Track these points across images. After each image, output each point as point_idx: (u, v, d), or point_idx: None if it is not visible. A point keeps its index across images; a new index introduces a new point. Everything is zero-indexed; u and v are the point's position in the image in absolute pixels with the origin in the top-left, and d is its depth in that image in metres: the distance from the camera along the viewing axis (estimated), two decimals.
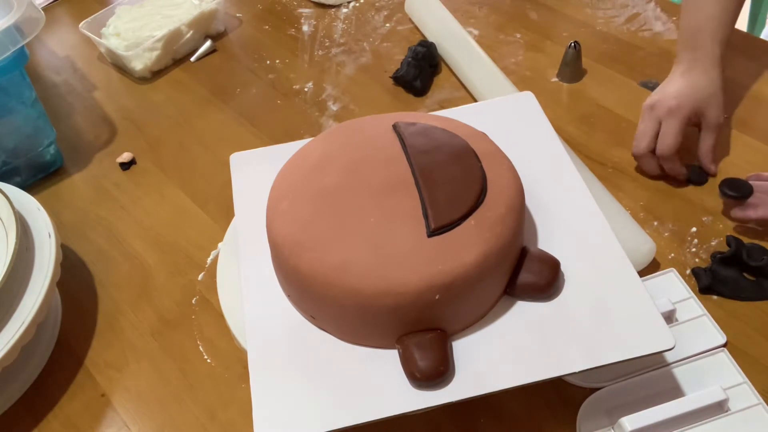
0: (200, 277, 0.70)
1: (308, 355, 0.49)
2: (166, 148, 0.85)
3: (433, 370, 0.46)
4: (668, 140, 0.69)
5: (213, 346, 0.64)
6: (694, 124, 0.72)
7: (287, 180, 0.54)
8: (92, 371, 0.64)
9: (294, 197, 0.52)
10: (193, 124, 0.88)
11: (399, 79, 0.88)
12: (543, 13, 0.97)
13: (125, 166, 0.83)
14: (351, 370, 0.48)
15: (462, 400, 0.46)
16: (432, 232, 0.47)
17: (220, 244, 0.69)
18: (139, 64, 0.94)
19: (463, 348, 0.48)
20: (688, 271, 0.65)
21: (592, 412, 0.55)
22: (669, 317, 0.59)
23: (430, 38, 0.92)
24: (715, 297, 0.63)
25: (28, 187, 0.80)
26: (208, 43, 0.98)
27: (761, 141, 0.76)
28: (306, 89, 0.91)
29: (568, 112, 0.82)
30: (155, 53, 0.94)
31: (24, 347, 0.56)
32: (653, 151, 0.71)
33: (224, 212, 0.75)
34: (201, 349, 0.64)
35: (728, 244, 0.64)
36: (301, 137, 0.76)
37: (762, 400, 0.54)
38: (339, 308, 0.48)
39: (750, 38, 0.91)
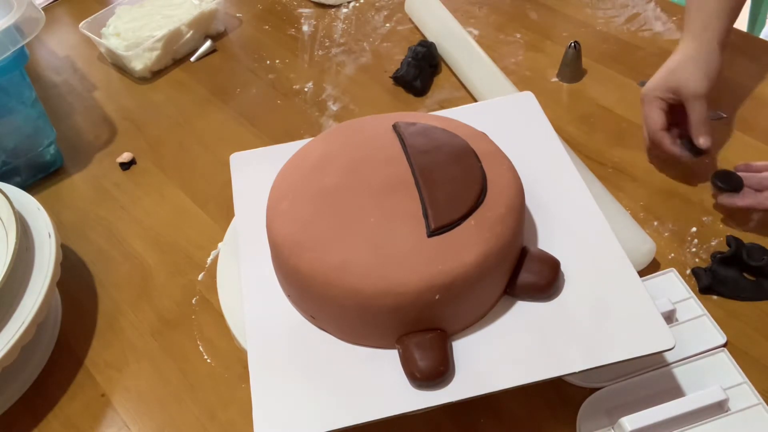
0: (200, 277, 0.70)
1: (308, 355, 0.49)
2: (166, 148, 0.85)
3: (433, 370, 0.46)
4: (646, 125, 0.71)
5: (213, 346, 0.64)
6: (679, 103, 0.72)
7: (287, 180, 0.54)
8: (92, 371, 0.64)
9: (294, 197, 0.52)
10: (193, 124, 0.88)
11: (399, 79, 0.88)
12: (543, 13, 0.97)
13: (125, 166, 0.83)
14: (351, 370, 0.48)
15: (462, 400, 0.46)
16: (432, 232, 0.47)
17: (220, 244, 0.69)
18: (139, 64, 0.94)
19: (463, 348, 0.48)
20: (688, 271, 0.65)
21: (592, 412, 0.55)
22: (669, 317, 0.59)
23: (430, 38, 0.92)
24: (715, 297, 0.63)
25: (28, 187, 0.80)
26: (208, 43, 0.98)
27: (761, 141, 0.76)
28: (306, 89, 0.91)
29: (568, 112, 0.82)
30: (155, 53, 0.94)
31: (24, 347, 0.56)
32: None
33: (224, 212, 0.75)
34: (201, 349, 0.64)
35: (728, 244, 0.64)
36: (301, 137, 0.76)
37: (762, 400, 0.54)
38: (339, 308, 0.48)
39: (750, 38, 0.91)
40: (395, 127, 0.56)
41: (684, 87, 0.69)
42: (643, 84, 0.84)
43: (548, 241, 0.54)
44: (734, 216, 0.69)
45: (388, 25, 0.99)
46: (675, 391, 0.56)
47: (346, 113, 0.86)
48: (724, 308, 0.62)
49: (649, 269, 0.64)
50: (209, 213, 0.77)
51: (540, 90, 0.77)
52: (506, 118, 0.64)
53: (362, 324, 0.48)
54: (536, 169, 0.58)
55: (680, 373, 0.57)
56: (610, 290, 0.50)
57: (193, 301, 0.68)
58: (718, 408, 0.54)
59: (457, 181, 0.50)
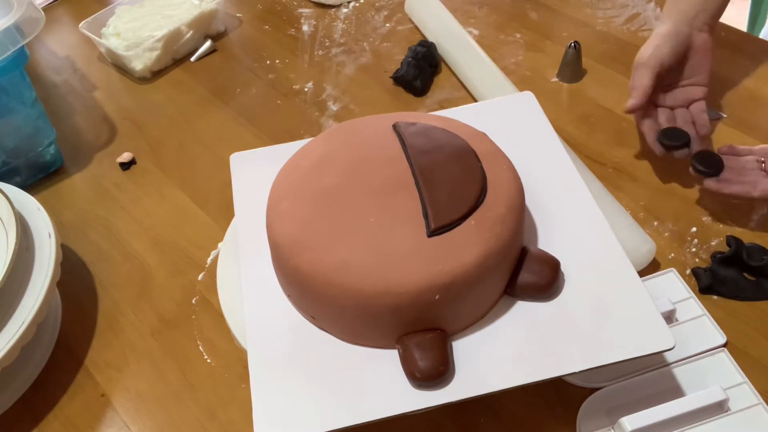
0: (200, 277, 0.70)
1: (308, 355, 0.49)
2: (166, 148, 0.85)
3: (433, 370, 0.46)
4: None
5: (213, 346, 0.64)
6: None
7: (287, 180, 0.54)
8: (92, 371, 0.64)
9: (294, 197, 0.52)
10: (193, 124, 0.88)
11: (399, 79, 0.88)
12: (543, 13, 0.97)
13: (125, 166, 0.83)
14: (351, 370, 0.48)
15: (462, 400, 0.46)
16: (432, 232, 0.47)
17: (220, 244, 0.69)
18: (139, 64, 0.94)
19: (463, 348, 0.48)
20: (688, 271, 0.65)
21: (592, 412, 0.55)
22: (669, 317, 0.59)
23: (430, 38, 0.92)
24: (715, 297, 0.63)
25: (28, 187, 0.80)
26: (208, 43, 0.98)
27: (761, 141, 0.76)
28: (306, 89, 0.91)
29: (568, 112, 0.82)
30: (155, 53, 0.94)
31: (24, 347, 0.56)
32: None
33: (224, 212, 0.75)
34: (201, 349, 0.64)
35: (728, 244, 0.64)
36: (301, 137, 0.76)
37: (762, 400, 0.54)
38: (339, 308, 0.48)
39: (750, 38, 0.91)
40: (395, 127, 0.56)
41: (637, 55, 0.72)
42: None
43: (548, 241, 0.54)
44: (734, 216, 0.69)
45: (388, 25, 0.99)
46: (675, 391, 0.56)
47: (346, 113, 0.86)
48: (724, 308, 0.62)
49: (649, 269, 0.64)
50: (209, 213, 0.77)
51: (540, 90, 0.77)
52: (506, 118, 0.64)
53: (362, 324, 0.48)
54: (536, 169, 0.58)
55: (680, 373, 0.57)
56: (610, 290, 0.50)
57: (193, 301, 0.68)
58: (718, 408, 0.54)
59: (457, 181, 0.50)
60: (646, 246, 0.63)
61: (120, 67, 0.98)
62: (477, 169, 0.51)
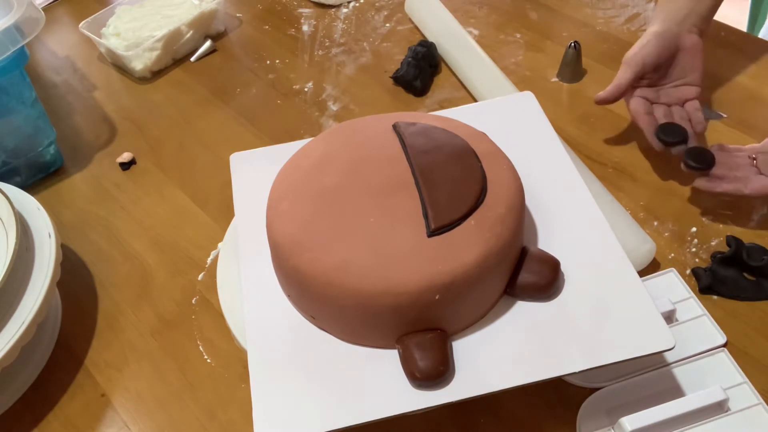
0: (200, 277, 0.70)
1: (308, 355, 0.49)
2: (166, 148, 0.85)
3: (433, 370, 0.46)
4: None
5: (213, 346, 0.64)
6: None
7: (287, 180, 0.54)
8: (92, 371, 0.64)
9: (294, 197, 0.52)
10: (193, 124, 0.88)
11: (399, 79, 0.88)
12: (543, 13, 0.97)
13: (125, 166, 0.83)
14: (351, 370, 0.48)
15: (462, 400, 0.46)
16: (432, 232, 0.47)
17: (220, 244, 0.69)
18: (139, 64, 0.94)
19: (463, 348, 0.48)
20: (688, 271, 0.65)
21: (592, 412, 0.55)
22: (669, 317, 0.59)
23: (430, 38, 0.92)
24: (715, 297, 0.63)
25: (28, 187, 0.80)
26: (208, 43, 0.98)
27: (761, 141, 0.76)
28: (306, 89, 0.91)
29: (568, 112, 0.82)
30: (155, 53, 0.94)
31: (24, 347, 0.56)
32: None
33: (224, 212, 0.75)
34: (201, 349, 0.64)
35: (728, 244, 0.64)
36: (301, 137, 0.76)
37: (762, 400, 0.54)
38: (339, 308, 0.48)
39: (750, 38, 0.91)
40: (395, 127, 0.56)
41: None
42: None
43: (548, 241, 0.54)
44: (734, 216, 0.69)
45: (388, 25, 0.99)
46: (675, 391, 0.56)
47: (346, 113, 0.86)
48: (724, 308, 0.62)
49: (649, 269, 0.64)
50: (209, 213, 0.77)
51: (540, 90, 0.77)
52: (506, 118, 0.64)
53: (362, 324, 0.48)
54: (536, 169, 0.58)
55: (680, 373, 0.57)
56: (610, 290, 0.50)
57: (193, 301, 0.68)
58: (718, 408, 0.53)
59: (457, 181, 0.50)
60: (646, 246, 0.63)
61: (120, 67, 0.98)
62: (477, 169, 0.51)
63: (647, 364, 0.57)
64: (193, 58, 0.98)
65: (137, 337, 0.66)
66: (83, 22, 0.97)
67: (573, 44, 0.84)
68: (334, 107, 0.88)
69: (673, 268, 0.64)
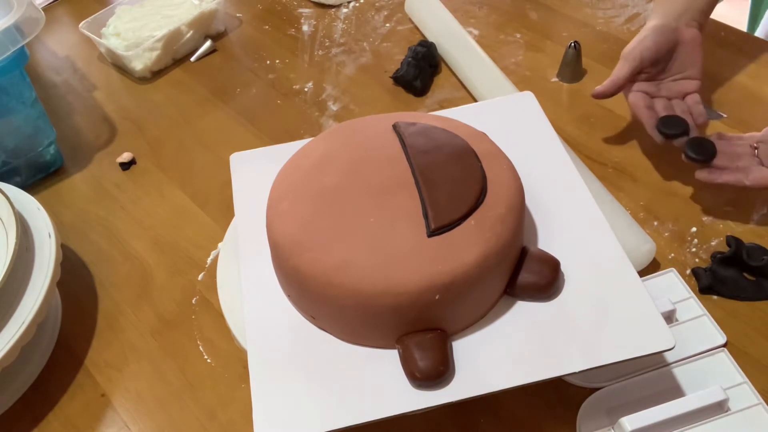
0: (200, 277, 0.70)
1: (308, 355, 0.49)
2: (166, 148, 0.85)
3: (433, 370, 0.46)
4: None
5: (213, 346, 0.64)
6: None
7: (287, 180, 0.54)
8: (92, 371, 0.64)
9: (294, 197, 0.52)
10: (193, 124, 0.88)
11: (399, 79, 0.88)
12: (543, 13, 0.97)
13: (125, 166, 0.83)
14: (351, 370, 0.48)
15: (462, 400, 0.46)
16: (432, 232, 0.47)
17: (220, 244, 0.69)
18: (139, 64, 0.94)
19: (463, 348, 0.48)
20: (688, 271, 0.65)
21: (592, 412, 0.55)
22: (669, 317, 0.59)
23: (430, 38, 0.92)
24: (715, 297, 0.63)
25: (28, 187, 0.80)
26: (208, 43, 0.98)
27: None
28: (306, 89, 0.91)
29: (568, 112, 0.82)
30: (155, 53, 0.94)
31: (24, 347, 0.56)
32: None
33: (224, 212, 0.75)
34: (201, 349, 0.64)
35: (728, 244, 0.64)
36: (301, 137, 0.76)
37: (762, 400, 0.54)
38: (339, 308, 0.48)
39: (750, 38, 0.91)
40: (395, 127, 0.56)
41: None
42: None
43: (548, 241, 0.54)
44: (734, 216, 0.69)
45: (388, 25, 0.99)
46: (675, 391, 0.56)
47: (346, 113, 0.86)
48: (724, 308, 0.62)
49: (649, 269, 0.64)
50: (209, 213, 0.77)
51: (540, 90, 0.76)
52: (506, 118, 0.64)
53: (362, 324, 0.48)
54: (536, 169, 0.58)
55: (680, 373, 0.57)
56: (610, 290, 0.50)
57: (193, 301, 0.68)
58: (718, 408, 0.54)
59: (457, 181, 0.50)
60: (646, 246, 0.63)
61: (120, 67, 0.98)
62: (477, 169, 0.51)
63: (647, 364, 0.57)
64: (193, 58, 0.98)
65: (137, 337, 0.66)
66: (83, 22, 0.97)
67: (573, 44, 0.84)
68: (334, 107, 0.88)
69: (673, 268, 0.64)
